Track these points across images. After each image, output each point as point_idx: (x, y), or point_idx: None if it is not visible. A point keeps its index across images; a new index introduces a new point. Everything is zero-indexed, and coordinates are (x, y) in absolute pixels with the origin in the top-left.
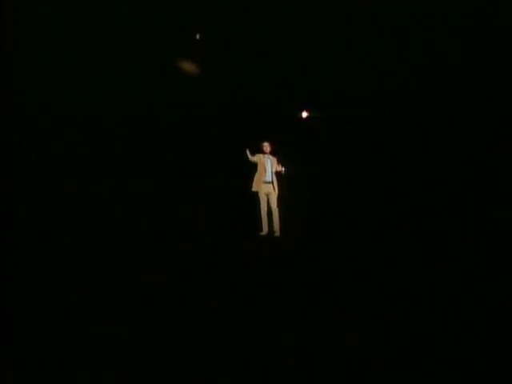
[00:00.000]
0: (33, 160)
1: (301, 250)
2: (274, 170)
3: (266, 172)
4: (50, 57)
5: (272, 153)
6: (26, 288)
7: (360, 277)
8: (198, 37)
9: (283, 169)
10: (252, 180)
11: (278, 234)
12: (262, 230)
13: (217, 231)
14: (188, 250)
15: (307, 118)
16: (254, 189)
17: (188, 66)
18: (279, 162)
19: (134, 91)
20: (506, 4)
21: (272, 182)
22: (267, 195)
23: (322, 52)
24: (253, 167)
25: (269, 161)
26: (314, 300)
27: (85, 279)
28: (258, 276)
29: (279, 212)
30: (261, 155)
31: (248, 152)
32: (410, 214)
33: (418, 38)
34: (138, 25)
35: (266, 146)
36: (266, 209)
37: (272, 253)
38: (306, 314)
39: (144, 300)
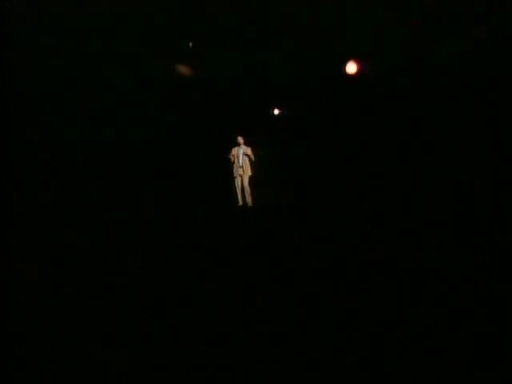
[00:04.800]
0: (32, 159)
1: (267, 215)
2: (244, 158)
3: (238, 159)
4: (50, 59)
5: (245, 144)
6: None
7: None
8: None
9: (252, 156)
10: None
11: (250, 204)
12: (238, 202)
13: (207, 203)
14: (186, 215)
15: (275, 116)
16: (235, 175)
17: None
18: (248, 151)
19: (116, 87)
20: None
21: (242, 167)
22: (241, 176)
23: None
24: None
25: (241, 150)
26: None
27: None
28: (235, 230)
29: (250, 189)
30: (236, 147)
31: (231, 155)
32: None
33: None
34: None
35: (240, 139)
36: (240, 186)
37: (246, 217)
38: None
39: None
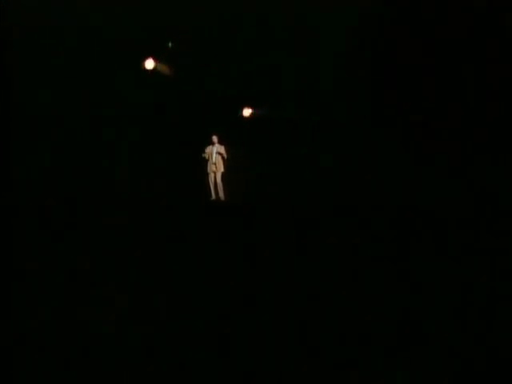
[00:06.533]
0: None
1: (236, 207)
2: (217, 155)
3: (211, 157)
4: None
5: (219, 143)
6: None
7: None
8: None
9: (224, 154)
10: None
11: (222, 198)
12: (211, 196)
13: (184, 196)
14: (162, 208)
15: (247, 116)
16: (208, 171)
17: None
18: (221, 149)
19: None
20: None
21: (215, 164)
22: (214, 173)
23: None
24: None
25: (214, 149)
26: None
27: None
28: (209, 220)
29: (222, 184)
30: (210, 146)
31: (205, 153)
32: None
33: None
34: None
35: (214, 138)
36: (213, 182)
37: (218, 208)
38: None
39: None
